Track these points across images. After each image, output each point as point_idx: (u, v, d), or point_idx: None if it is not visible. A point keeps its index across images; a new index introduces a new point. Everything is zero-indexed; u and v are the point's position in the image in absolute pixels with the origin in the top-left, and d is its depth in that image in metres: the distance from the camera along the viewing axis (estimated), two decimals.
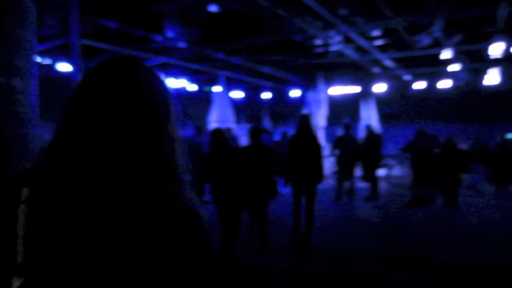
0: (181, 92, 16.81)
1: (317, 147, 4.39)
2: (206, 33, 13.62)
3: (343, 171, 7.81)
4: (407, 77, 15.44)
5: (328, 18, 9.46)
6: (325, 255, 4.81)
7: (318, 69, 14.27)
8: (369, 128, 8.37)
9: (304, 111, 14.98)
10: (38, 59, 11.78)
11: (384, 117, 16.20)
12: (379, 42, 12.72)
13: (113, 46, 11.83)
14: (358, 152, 7.90)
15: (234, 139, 6.84)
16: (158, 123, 0.80)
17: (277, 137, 16.15)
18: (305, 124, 4.44)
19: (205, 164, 4.02)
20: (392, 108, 16.80)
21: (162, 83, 0.86)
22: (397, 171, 11.87)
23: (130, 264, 0.71)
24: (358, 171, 8.55)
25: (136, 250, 0.72)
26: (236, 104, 18.97)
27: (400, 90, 16.13)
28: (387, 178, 11.07)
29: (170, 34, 12.34)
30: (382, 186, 9.98)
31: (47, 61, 11.78)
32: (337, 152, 7.92)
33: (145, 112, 0.78)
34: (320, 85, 13.38)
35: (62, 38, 8.45)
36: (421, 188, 7.43)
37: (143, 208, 0.74)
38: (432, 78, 14.68)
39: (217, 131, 4.13)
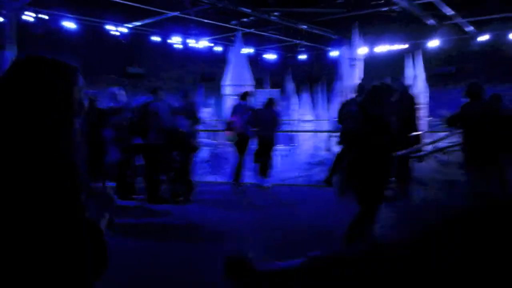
0: (204, 53, 15.43)
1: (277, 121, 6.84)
2: None
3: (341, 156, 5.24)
4: (469, 28, 12.56)
5: None
6: None
7: (355, 22, 11.97)
8: (398, 87, 5.19)
9: (338, 71, 12.90)
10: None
11: (437, 77, 13.48)
12: None
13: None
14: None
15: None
16: (57, 121, 0.99)
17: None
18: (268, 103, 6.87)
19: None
20: (449, 67, 13.95)
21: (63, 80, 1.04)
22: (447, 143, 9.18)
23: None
24: None
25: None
26: (267, 67, 17.21)
27: (460, 45, 13.26)
28: (431, 155, 8.64)
29: None
30: (424, 167, 7.58)
31: None
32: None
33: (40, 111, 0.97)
34: (356, 41, 11.13)
35: None
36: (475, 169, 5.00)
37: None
38: (502, 29, 11.74)
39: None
